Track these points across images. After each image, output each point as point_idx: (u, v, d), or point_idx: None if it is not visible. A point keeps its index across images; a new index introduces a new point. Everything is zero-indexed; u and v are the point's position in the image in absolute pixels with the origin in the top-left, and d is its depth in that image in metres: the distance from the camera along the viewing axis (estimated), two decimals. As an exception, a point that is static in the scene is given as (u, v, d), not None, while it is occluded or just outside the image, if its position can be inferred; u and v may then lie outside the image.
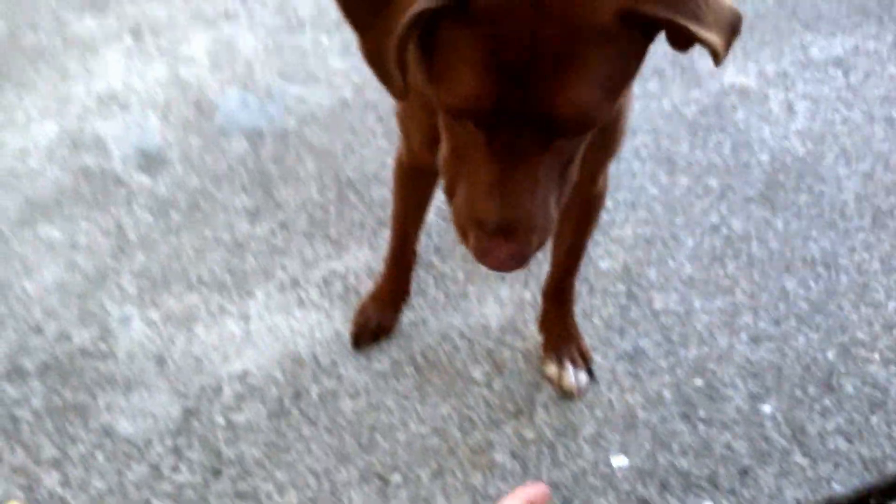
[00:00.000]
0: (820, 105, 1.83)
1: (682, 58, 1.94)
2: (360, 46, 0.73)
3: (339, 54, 1.97)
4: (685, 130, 1.77)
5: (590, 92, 0.67)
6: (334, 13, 2.08)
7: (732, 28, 0.71)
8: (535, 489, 0.65)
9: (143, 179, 1.67)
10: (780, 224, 1.58)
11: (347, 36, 2.01)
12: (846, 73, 1.91)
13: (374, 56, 0.73)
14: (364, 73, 1.91)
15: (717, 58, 0.70)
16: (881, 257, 1.53)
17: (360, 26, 0.72)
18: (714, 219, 1.58)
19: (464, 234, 0.78)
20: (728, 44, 0.70)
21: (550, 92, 0.66)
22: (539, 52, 0.65)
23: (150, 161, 1.71)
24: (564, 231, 1.22)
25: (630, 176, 1.66)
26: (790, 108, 1.82)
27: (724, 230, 1.57)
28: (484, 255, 0.74)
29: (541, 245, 0.77)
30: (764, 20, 2.07)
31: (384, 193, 1.63)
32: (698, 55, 1.96)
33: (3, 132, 1.77)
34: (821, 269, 1.50)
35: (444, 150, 0.79)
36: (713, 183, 1.65)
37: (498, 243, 0.73)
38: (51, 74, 1.91)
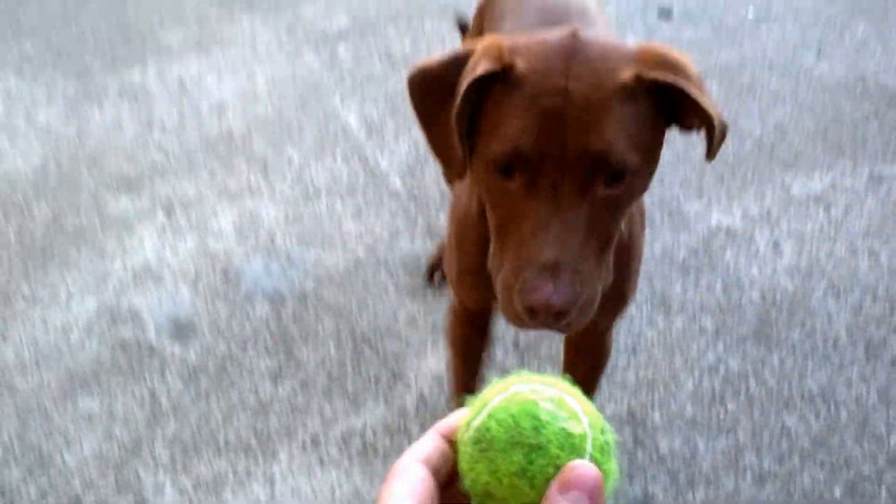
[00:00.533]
0: (805, 241, 1.94)
1: (671, 202, 2.09)
2: (427, 141, 0.94)
3: (352, 218, 2.13)
4: (677, 273, 1.88)
5: (615, 133, 0.82)
6: (347, 179, 2.27)
7: (723, 128, 0.87)
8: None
9: (175, 348, 1.80)
10: (775, 360, 1.66)
11: (359, 200, 2.19)
12: (827, 210, 2.03)
13: (439, 144, 0.93)
14: (375, 233, 2.07)
15: (712, 136, 0.85)
16: (878, 389, 1.59)
17: (427, 124, 0.93)
18: (711, 358, 1.67)
19: (508, 302, 0.86)
20: (719, 142, 0.87)
21: (582, 131, 0.81)
22: (571, 102, 0.81)
23: (182, 330, 1.84)
24: (575, 377, 1.32)
25: (628, 321, 1.76)
26: (776, 246, 1.93)
27: (722, 369, 1.65)
28: (530, 293, 0.81)
29: (586, 299, 0.84)
30: (745, 162, 2.22)
31: (396, 347, 1.74)
32: (684, 198, 2.10)
33: (47, 310, 1.92)
34: (819, 404, 1.57)
35: (492, 226, 0.91)
36: (708, 323, 1.75)
37: (544, 280, 0.81)
38: (90, 253, 2.08)
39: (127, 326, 1.86)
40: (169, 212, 2.20)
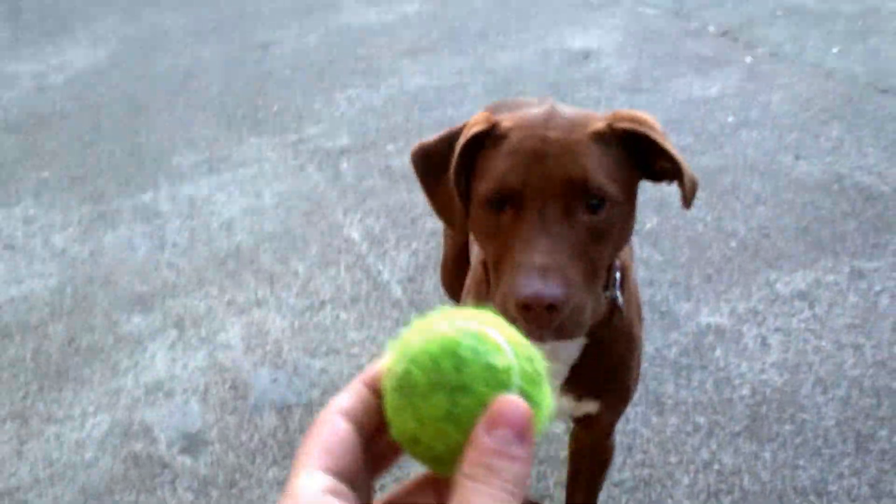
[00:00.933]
0: (791, 337, 2.02)
1: (661, 303, 2.17)
2: (431, 205, 1.10)
3: (355, 327, 2.22)
4: (669, 371, 1.94)
5: (591, 164, 0.96)
6: (351, 290, 2.37)
7: (692, 179, 1.01)
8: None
9: (186, 460, 1.85)
10: (767, 455, 1.70)
11: (362, 309, 2.28)
12: (811, 306, 2.12)
13: (442, 206, 1.08)
14: (378, 342, 2.15)
15: (683, 182, 1.00)
16: (869, 482, 1.63)
17: (430, 191, 1.09)
18: (705, 455, 1.71)
19: (505, 312, 0.93)
20: (691, 189, 1.01)
21: (562, 164, 0.95)
22: (551, 144, 0.96)
23: (192, 442, 1.90)
24: (580, 480, 1.40)
25: (624, 421, 1.81)
26: (764, 343, 2.00)
27: (716, 466, 1.69)
28: (522, 289, 0.90)
29: (575, 305, 0.92)
30: (731, 262, 2.32)
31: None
32: (674, 299, 2.19)
33: (62, 427, 1.98)
34: (813, 499, 1.60)
35: (490, 264, 1.02)
36: (701, 420, 1.80)
37: (534, 279, 0.90)
38: (103, 370, 2.16)
39: (139, 441, 1.92)
40: (179, 327, 2.29)
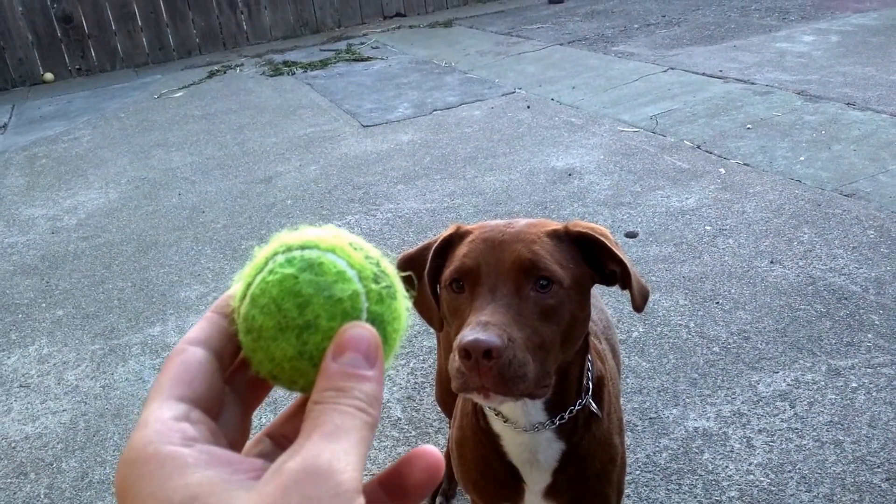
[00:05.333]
0: (775, 437, 2.09)
1: (650, 410, 2.26)
2: (413, 306, 1.23)
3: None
4: (661, 477, 2.01)
5: (542, 251, 1.09)
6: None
7: (644, 292, 1.18)
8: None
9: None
10: (758, 557, 1.75)
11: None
12: (792, 405, 2.20)
13: (421, 307, 1.21)
14: (379, 462, 2.22)
15: (631, 285, 1.15)
16: (858, 576, 1.67)
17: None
18: (698, 560, 1.76)
19: (452, 367, 1.03)
20: (640, 293, 1.17)
21: (515, 249, 1.08)
22: (507, 236, 1.11)
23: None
24: None
25: (618, 528, 1.87)
26: (749, 444, 2.08)
27: (709, 570, 1.74)
28: (463, 339, 0.98)
29: (516, 360, 1.00)
30: (714, 366, 2.42)
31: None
32: (662, 405, 2.28)
33: (74, 563, 2.03)
34: None
35: (452, 338, 1.10)
36: (692, 525, 1.86)
37: (475, 331, 0.99)
38: (115, 503, 2.22)
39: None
40: (188, 457, 2.37)
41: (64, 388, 2.86)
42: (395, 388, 2.55)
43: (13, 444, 2.55)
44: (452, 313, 1.13)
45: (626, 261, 1.15)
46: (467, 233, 1.17)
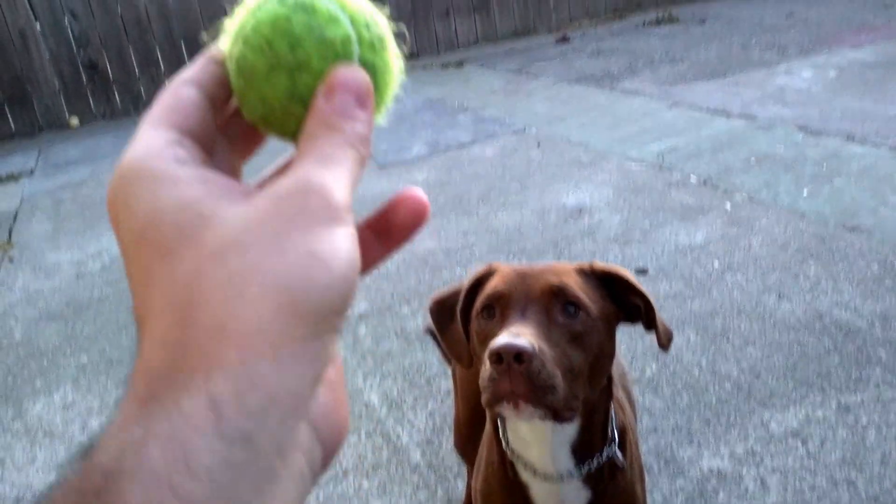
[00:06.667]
0: (788, 476, 2.14)
1: (665, 450, 2.31)
2: (445, 345, 1.34)
3: (377, 496, 2.36)
4: (677, 518, 2.06)
5: (569, 279, 1.18)
6: (371, 457, 2.53)
7: (669, 333, 1.27)
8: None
9: None
10: None
11: (383, 476, 2.43)
12: (804, 443, 2.25)
13: (452, 343, 1.31)
14: (403, 505, 2.28)
15: (655, 320, 1.24)
16: None
17: (442, 331, 1.32)
18: None
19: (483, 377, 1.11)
20: (665, 332, 1.25)
21: (544, 277, 1.17)
22: (536, 268, 1.21)
23: None
24: None
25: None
26: (763, 484, 2.13)
27: None
28: (494, 344, 1.06)
29: (545, 373, 1.06)
30: (727, 404, 2.48)
31: None
32: (677, 445, 2.33)
33: None
34: None
35: (480, 361, 1.18)
36: (709, 563, 1.91)
37: (506, 337, 1.06)
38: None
39: None
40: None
41: (88, 435, 2.93)
42: (413, 432, 2.61)
43: (38, 496, 2.62)
44: (483, 341, 1.19)
45: (649, 296, 1.24)
46: (498, 269, 1.27)
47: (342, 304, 0.36)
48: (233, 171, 0.44)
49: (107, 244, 4.89)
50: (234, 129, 0.45)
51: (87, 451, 0.33)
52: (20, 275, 4.55)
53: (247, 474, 0.32)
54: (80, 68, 8.32)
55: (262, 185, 0.41)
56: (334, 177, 0.37)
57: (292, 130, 0.41)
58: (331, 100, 0.39)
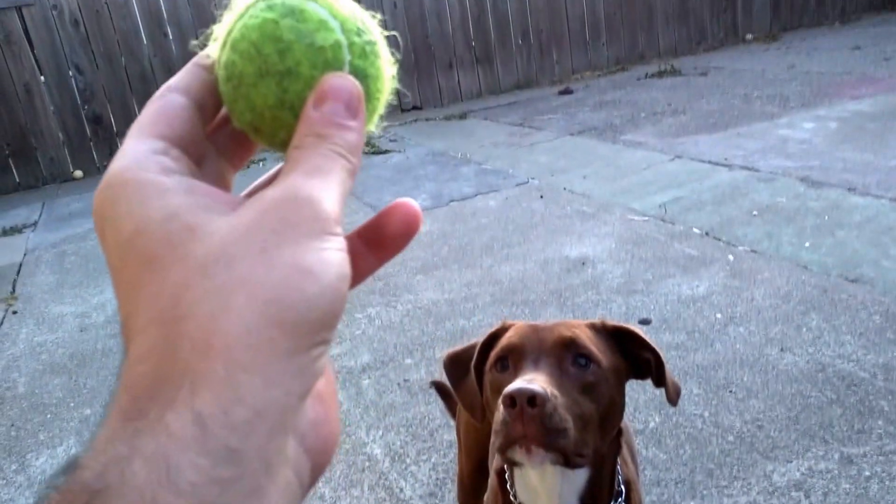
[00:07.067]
0: (791, 529, 2.12)
1: (668, 502, 2.30)
2: (458, 398, 1.38)
3: (381, 547, 2.34)
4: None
5: (580, 333, 1.21)
6: (375, 509, 2.51)
7: (677, 387, 1.29)
8: None
9: None
10: None
11: (387, 528, 2.41)
12: (807, 495, 2.24)
13: (465, 398, 1.33)
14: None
15: (664, 373, 1.27)
16: None
17: (456, 386, 1.35)
18: None
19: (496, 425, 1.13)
20: (676, 394, 1.29)
21: (557, 330, 1.21)
22: (549, 324, 1.24)
23: None
24: None
25: None
26: (766, 536, 2.11)
27: None
28: (509, 389, 1.08)
29: (557, 414, 1.08)
30: (730, 456, 2.46)
31: None
32: (680, 498, 2.32)
33: None
34: None
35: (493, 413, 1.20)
36: None
37: (521, 382, 1.09)
38: None
39: None
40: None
41: (94, 487, 2.93)
42: (416, 485, 2.60)
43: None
44: (496, 391, 1.22)
45: (660, 351, 1.27)
46: (512, 325, 1.31)
47: (331, 317, 0.35)
48: (222, 180, 0.44)
49: (110, 296, 4.92)
50: (225, 136, 0.44)
51: (71, 468, 0.33)
52: (24, 327, 4.58)
53: (232, 490, 0.32)
54: (85, 121, 8.50)
55: (251, 194, 0.41)
56: (323, 187, 0.37)
57: (282, 139, 0.40)
58: (320, 108, 0.38)
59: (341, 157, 0.38)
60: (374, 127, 0.43)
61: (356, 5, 0.41)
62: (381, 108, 0.43)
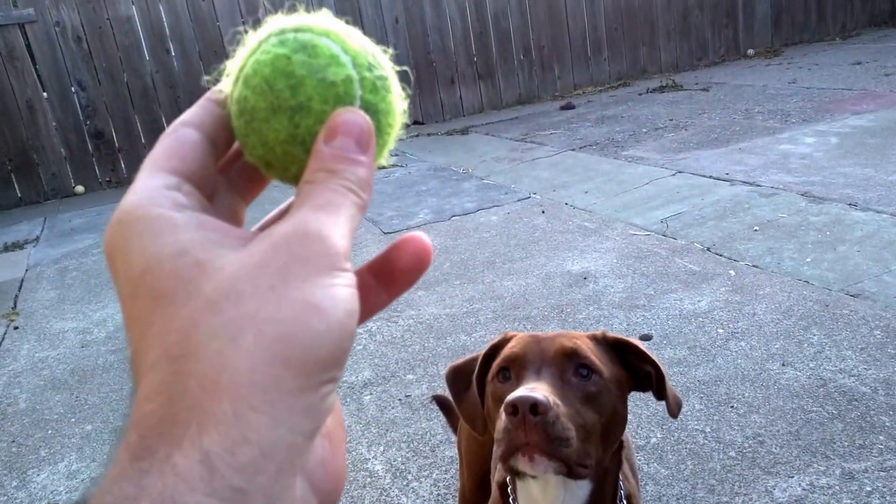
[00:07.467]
0: (793, 545, 2.11)
1: (669, 519, 2.29)
2: (459, 411, 1.36)
3: (381, 564, 2.33)
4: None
5: (582, 343, 1.21)
6: (375, 525, 2.50)
7: (678, 400, 1.29)
8: None
9: None
10: None
11: (387, 544, 2.40)
12: (809, 512, 2.23)
13: (467, 410, 1.33)
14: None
15: (664, 385, 1.28)
16: None
17: (458, 399, 1.35)
18: None
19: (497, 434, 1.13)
20: (678, 406, 1.28)
21: (558, 341, 1.20)
22: (550, 335, 1.24)
23: None
24: None
25: None
26: (768, 553, 2.10)
27: None
28: (511, 397, 1.08)
29: (560, 426, 1.08)
30: (731, 471, 2.46)
31: None
32: (681, 515, 2.30)
33: None
34: None
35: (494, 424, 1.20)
36: None
37: (523, 390, 1.08)
38: None
39: None
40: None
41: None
42: (418, 501, 2.59)
43: (45, 563, 2.61)
44: (498, 401, 1.22)
45: (660, 364, 1.28)
46: (514, 336, 1.32)
47: (339, 354, 0.35)
48: (234, 214, 0.45)
49: (111, 312, 4.93)
50: (237, 171, 0.44)
51: None
52: (25, 343, 4.59)
53: None
54: (87, 137, 8.55)
55: (262, 228, 0.41)
56: (333, 223, 0.37)
57: (294, 173, 0.40)
58: (331, 143, 0.39)
59: (351, 193, 0.38)
60: (384, 161, 0.44)
61: (367, 40, 0.42)
62: (391, 143, 0.44)
